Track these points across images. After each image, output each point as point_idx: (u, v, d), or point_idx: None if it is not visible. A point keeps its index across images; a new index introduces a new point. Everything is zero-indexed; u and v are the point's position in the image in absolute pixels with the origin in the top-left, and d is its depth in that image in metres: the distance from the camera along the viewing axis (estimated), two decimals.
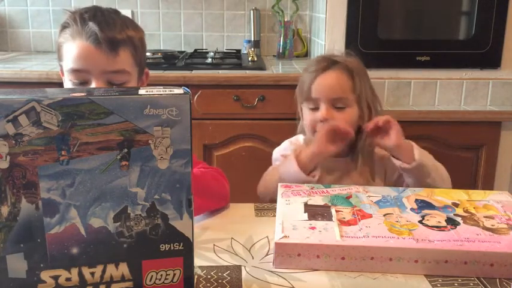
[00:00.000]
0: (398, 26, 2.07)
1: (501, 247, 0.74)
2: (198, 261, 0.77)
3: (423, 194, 0.93)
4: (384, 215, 0.83)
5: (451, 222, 0.81)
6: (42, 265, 0.60)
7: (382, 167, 1.23)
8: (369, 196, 0.91)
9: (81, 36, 0.97)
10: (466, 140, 1.95)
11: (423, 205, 0.88)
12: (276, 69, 2.08)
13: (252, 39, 2.43)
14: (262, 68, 2.03)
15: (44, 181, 0.58)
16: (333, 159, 1.22)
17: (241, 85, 1.93)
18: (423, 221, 0.81)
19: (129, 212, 0.61)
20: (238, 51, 2.42)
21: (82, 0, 2.37)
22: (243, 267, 0.76)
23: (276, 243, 0.75)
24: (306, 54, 2.48)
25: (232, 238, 0.86)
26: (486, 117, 1.94)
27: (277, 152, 1.28)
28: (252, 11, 2.41)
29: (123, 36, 0.99)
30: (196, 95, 1.91)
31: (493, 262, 0.73)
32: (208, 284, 0.71)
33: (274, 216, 0.88)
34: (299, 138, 1.29)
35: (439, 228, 0.79)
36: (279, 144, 1.32)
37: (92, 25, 0.97)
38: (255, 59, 2.17)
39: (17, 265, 0.60)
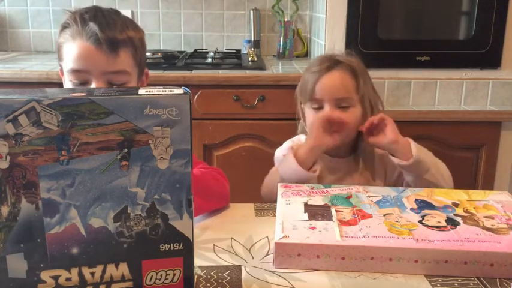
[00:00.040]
0: (398, 26, 2.07)
1: (501, 247, 0.74)
2: (198, 261, 0.77)
3: (423, 194, 0.93)
4: (384, 215, 0.83)
5: (451, 222, 0.81)
6: (42, 265, 0.60)
7: (382, 166, 1.23)
8: (369, 196, 0.91)
9: (82, 37, 0.97)
10: (466, 140, 1.95)
11: (423, 205, 0.88)
12: (276, 69, 2.08)
13: (252, 39, 2.43)
14: (262, 68, 2.03)
15: (44, 181, 0.58)
16: (334, 160, 1.22)
17: (241, 85, 1.93)
18: (423, 221, 0.81)
19: (129, 212, 0.61)
20: (238, 51, 2.42)
21: (82, 0, 2.37)
22: (243, 267, 0.76)
23: (276, 243, 0.75)
24: (306, 54, 2.48)
25: (232, 238, 0.86)
26: (486, 117, 1.94)
27: (279, 152, 1.28)
28: (252, 11, 2.41)
29: (123, 37, 0.99)
30: (196, 95, 1.91)
31: (493, 262, 0.73)
32: (208, 284, 0.71)
33: (274, 216, 0.88)
34: (301, 138, 1.29)
35: (439, 228, 0.79)
36: (279, 144, 1.32)
37: (92, 25, 0.97)
38: (255, 59, 2.17)
39: (17, 265, 0.60)
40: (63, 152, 0.57)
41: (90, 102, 0.57)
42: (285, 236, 0.76)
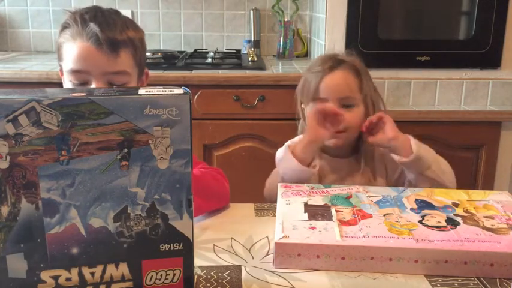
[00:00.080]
0: (398, 26, 2.07)
1: (501, 247, 0.74)
2: (198, 261, 0.77)
3: (423, 194, 0.93)
4: (384, 215, 0.83)
5: (451, 222, 0.81)
6: (42, 265, 0.60)
7: (383, 166, 1.23)
8: (369, 196, 0.91)
9: (82, 37, 0.97)
10: (466, 140, 1.95)
11: (423, 205, 0.88)
12: (276, 69, 2.08)
13: (252, 39, 2.43)
14: (262, 68, 2.03)
15: (44, 181, 0.58)
16: (335, 160, 1.22)
17: (241, 85, 1.93)
18: (423, 221, 0.81)
19: (129, 212, 0.61)
20: (238, 51, 2.42)
21: (82, 0, 2.37)
22: (243, 267, 0.76)
23: (276, 243, 0.75)
24: (306, 54, 2.48)
25: (232, 238, 0.86)
26: (486, 117, 1.94)
27: (280, 153, 1.28)
28: (252, 11, 2.41)
29: (123, 37, 0.99)
30: (196, 95, 1.91)
31: (493, 262, 0.73)
32: (208, 284, 0.71)
33: (274, 216, 0.88)
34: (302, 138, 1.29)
35: (439, 228, 0.79)
36: (279, 144, 1.32)
37: (92, 26, 0.96)
38: (255, 59, 2.17)
39: (17, 265, 0.60)
40: (63, 152, 0.57)
41: (90, 102, 0.57)
42: (285, 236, 0.76)
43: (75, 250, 0.61)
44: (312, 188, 0.95)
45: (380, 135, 1.13)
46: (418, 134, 1.17)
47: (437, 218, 0.83)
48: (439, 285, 0.72)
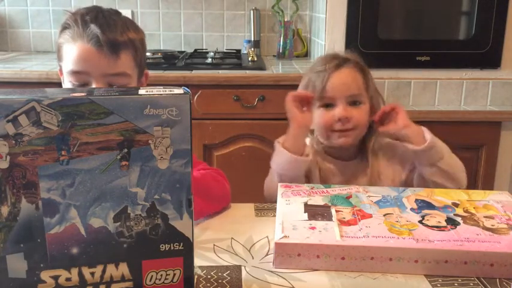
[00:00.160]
0: (398, 26, 2.07)
1: (501, 247, 0.74)
2: (198, 261, 0.77)
3: (423, 194, 0.93)
4: (384, 215, 0.83)
5: (451, 222, 0.81)
6: (42, 265, 0.60)
7: (390, 167, 1.22)
8: (369, 196, 0.91)
9: (83, 39, 0.97)
10: (466, 140, 1.95)
11: (423, 205, 0.88)
12: (276, 69, 2.08)
13: (252, 39, 2.43)
14: (262, 68, 2.03)
15: (44, 181, 0.58)
16: (340, 162, 1.21)
17: (241, 85, 1.93)
18: (423, 221, 0.81)
19: (129, 212, 0.61)
20: (238, 51, 2.42)
21: (82, 0, 2.37)
22: (243, 267, 0.76)
23: (276, 243, 0.75)
24: (306, 54, 2.48)
25: (232, 238, 0.86)
26: (486, 117, 1.94)
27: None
28: (252, 11, 2.41)
29: (124, 39, 0.99)
30: (196, 95, 1.91)
31: (493, 262, 0.73)
32: (208, 284, 0.71)
33: (274, 216, 0.88)
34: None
35: (439, 228, 0.79)
36: None
37: (93, 27, 0.96)
38: (255, 59, 2.17)
39: (17, 265, 0.60)
40: (63, 152, 0.57)
41: (90, 102, 0.57)
42: (285, 236, 0.76)
43: (75, 250, 0.61)
44: (312, 188, 0.95)
45: (392, 124, 1.13)
46: None
47: (437, 218, 0.83)
48: (439, 285, 0.72)
